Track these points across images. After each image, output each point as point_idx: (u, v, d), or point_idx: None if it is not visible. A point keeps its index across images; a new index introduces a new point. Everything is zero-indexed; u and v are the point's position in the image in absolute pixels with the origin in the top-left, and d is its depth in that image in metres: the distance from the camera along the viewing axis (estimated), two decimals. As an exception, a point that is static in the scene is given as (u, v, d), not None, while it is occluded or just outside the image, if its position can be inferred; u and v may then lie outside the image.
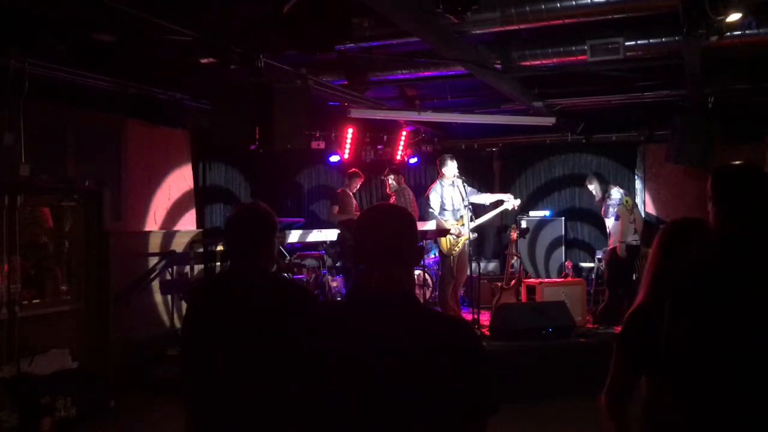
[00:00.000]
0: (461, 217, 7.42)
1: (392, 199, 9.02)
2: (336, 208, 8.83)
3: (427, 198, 7.61)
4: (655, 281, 2.34)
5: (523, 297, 7.63)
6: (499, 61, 6.46)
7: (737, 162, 2.18)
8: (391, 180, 9.11)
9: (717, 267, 1.89)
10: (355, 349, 1.66)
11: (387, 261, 1.72)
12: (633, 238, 7.50)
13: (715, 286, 1.85)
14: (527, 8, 5.07)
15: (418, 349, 1.63)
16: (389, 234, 1.76)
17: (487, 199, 7.92)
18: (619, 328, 2.49)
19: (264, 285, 2.39)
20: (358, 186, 9.23)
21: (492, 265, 10.36)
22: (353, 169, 9.26)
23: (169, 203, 8.20)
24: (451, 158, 7.56)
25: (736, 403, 1.75)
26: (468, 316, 7.50)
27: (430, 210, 7.49)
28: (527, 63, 6.38)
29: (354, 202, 9.03)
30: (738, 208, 2.01)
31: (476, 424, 1.65)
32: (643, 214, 9.96)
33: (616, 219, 7.51)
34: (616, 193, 7.63)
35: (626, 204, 7.55)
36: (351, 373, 1.64)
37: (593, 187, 7.82)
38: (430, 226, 7.35)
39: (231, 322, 2.29)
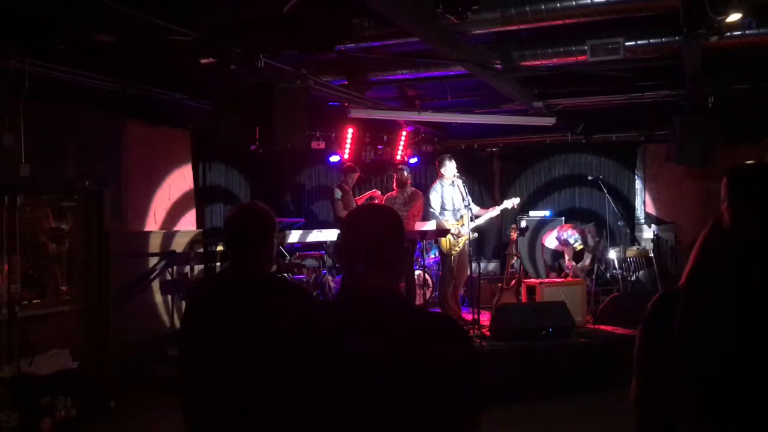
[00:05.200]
0: (461, 217, 7.42)
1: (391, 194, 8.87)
2: (341, 204, 8.65)
3: (428, 198, 7.60)
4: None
5: (523, 297, 7.63)
6: (499, 62, 6.46)
7: (753, 161, 2.09)
8: (404, 174, 8.84)
9: (730, 270, 1.81)
10: (351, 348, 1.66)
11: (372, 261, 1.74)
12: None
13: (728, 290, 1.78)
14: (527, 8, 5.07)
15: (406, 346, 1.64)
16: (374, 234, 1.77)
17: (484, 218, 7.71)
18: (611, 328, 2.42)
19: (261, 285, 2.39)
20: (355, 181, 9.07)
21: (492, 265, 10.37)
22: (349, 164, 9.14)
23: (169, 203, 8.20)
24: (450, 158, 7.54)
25: (744, 407, 1.72)
26: (468, 316, 7.50)
27: (431, 210, 7.48)
28: (527, 63, 6.39)
29: (353, 199, 8.93)
30: (754, 209, 1.91)
31: (469, 421, 1.67)
32: (642, 214, 10.00)
33: None
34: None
35: None
36: (348, 372, 1.65)
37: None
38: (430, 226, 7.35)
39: (228, 322, 2.29)
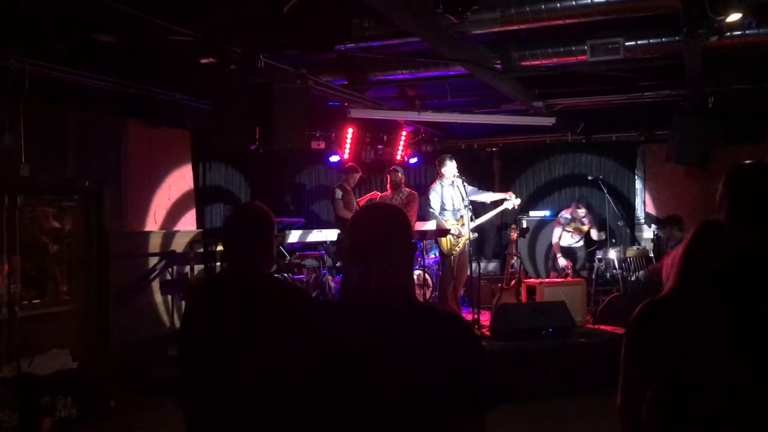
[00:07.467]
0: (461, 217, 7.42)
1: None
2: (341, 203, 8.63)
3: (428, 198, 7.59)
4: (682, 278, 2.04)
5: (523, 297, 7.63)
6: (499, 61, 6.46)
7: (752, 161, 1.94)
8: (398, 175, 8.78)
9: (729, 280, 1.73)
10: (353, 347, 1.66)
11: (381, 258, 1.74)
12: None
13: (727, 302, 1.70)
14: (527, 8, 5.07)
15: (416, 345, 1.64)
16: (381, 231, 1.78)
17: (488, 197, 7.89)
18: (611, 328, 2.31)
19: (260, 285, 2.38)
20: (356, 181, 9.00)
21: (492, 265, 10.36)
22: (351, 164, 9.09)
23: (169, 203, 8.20)
24: (450, 158, 7.54)
25: (738, 424, 1.68)
26: (468, 316, 7.50)
27: (431, 210, 7.48)
28: (527, 63, 6.38)
29: (354, 199, 8.90)
30: (753, 212, 1.80)
31: (475, 420, 1.66)
32: (642, 214, 9.99)
33: None
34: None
35: None
36: (350, 372, 1.64)
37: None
38: (430, 226, 7.34)
39: (228, 322, 2.29)
